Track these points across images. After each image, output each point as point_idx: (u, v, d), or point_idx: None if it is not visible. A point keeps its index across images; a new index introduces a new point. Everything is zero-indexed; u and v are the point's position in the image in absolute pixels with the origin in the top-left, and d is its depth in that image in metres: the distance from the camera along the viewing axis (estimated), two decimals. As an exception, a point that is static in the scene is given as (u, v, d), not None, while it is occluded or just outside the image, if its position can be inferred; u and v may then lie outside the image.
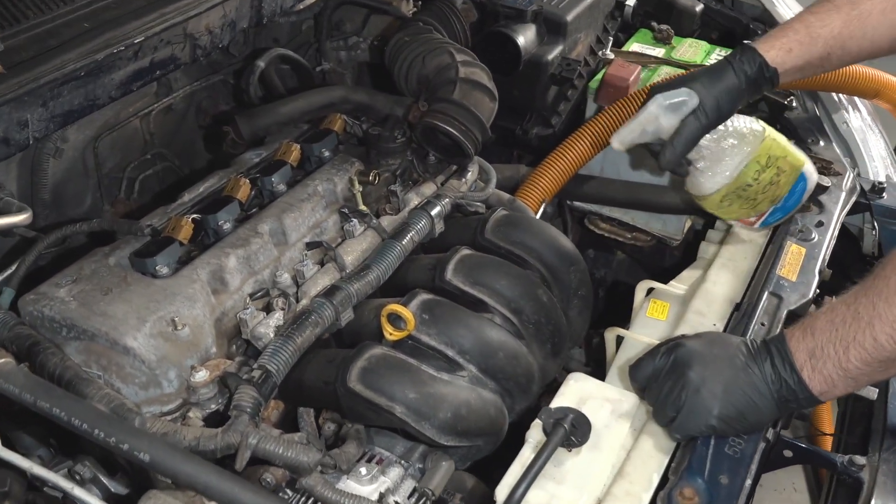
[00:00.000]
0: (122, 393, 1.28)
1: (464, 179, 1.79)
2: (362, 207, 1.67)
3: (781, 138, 1.60)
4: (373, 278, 1.50)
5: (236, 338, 1.45)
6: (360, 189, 1.66)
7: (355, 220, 1.63)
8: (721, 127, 1.50)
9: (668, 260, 2.43)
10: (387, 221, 1.68)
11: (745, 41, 1.50)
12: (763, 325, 1.54)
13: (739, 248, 1.84)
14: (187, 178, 2.10)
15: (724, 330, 1.59)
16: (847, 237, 2.01)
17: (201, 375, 1.30)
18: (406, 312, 1.39)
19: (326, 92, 1.83)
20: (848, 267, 2.08)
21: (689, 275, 1.83)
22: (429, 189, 1.77)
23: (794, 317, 1.58)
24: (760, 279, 1.66)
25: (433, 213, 1.65)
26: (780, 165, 1.58)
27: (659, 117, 1.44)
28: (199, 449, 1.20)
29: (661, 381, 1.32)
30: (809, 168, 1.65)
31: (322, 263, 1.57)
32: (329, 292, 1.44)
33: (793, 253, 1.70)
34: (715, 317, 1.62)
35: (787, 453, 1.43)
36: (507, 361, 1.44)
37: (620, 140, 1.50)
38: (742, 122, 1.53)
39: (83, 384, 1.25)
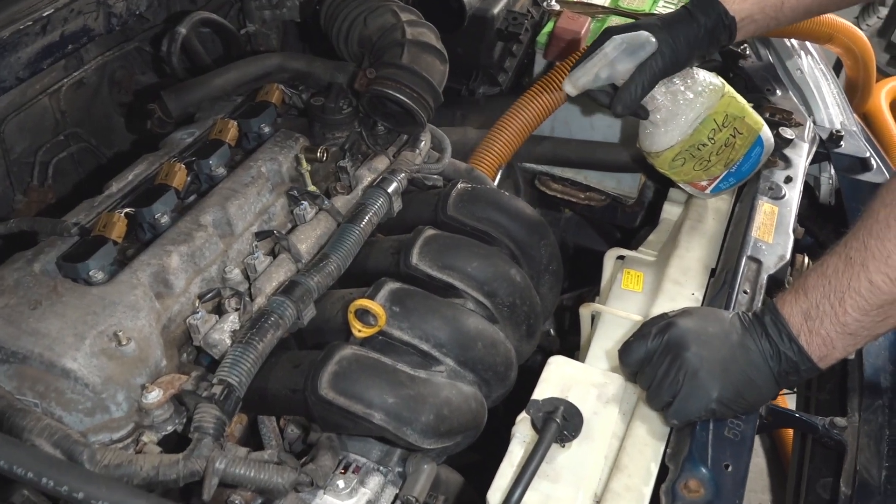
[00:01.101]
0: (64, 422, 1.13)
1: (417, 150, 1.65)
2: (312, 188, 1.53)
3: (740, 98, 1.52)
4: (333, 269, 1.37)
5: (186, 345, 1.31)
6: (308, 168, 1.51)
7: (305, 203, 1.49)
8: (677, 79, 1.43)
9: (621, 218, 2.36)
10: (340, 202, 1.54)
11: None
12: (746, 292, 1.47)
13: (705, 208, 1.76)
14: (109, 159, 1.90)
15: (704, 298, 1.52)
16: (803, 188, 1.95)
17: (154, 395, 1.16)
18: (376, 307, 1.27)
19: (261, 60, 1.66)
20: (804, 218, 2.03)
21: (656, 239, 1.75)
22: (381, 163, 1.63)
23: (774, 281, 1.51)
24: (735, 243, 1.59)
25: (390, 189, 1.53)
26: (738, 126, 1.51)
27: (615, 60, 1.37)
28: (158, 479, 1.06)
29: (656, 364, 1.24)
30: (767, 132, 1.58)
31: (274, 254, 1.43)
32: (288, 288, 1.30)
33: (766, 213, 1.63)
34: (693, 285, 1.55)
35: (766, 418, 1.37)
36: (486, 351, 1.34)
37: (573, 83, 1.41)
38: (701, 76, 1.46)
39: (18, 416, 1.09)
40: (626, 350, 1.29)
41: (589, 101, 1.49)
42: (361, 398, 1.21)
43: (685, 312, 1.30)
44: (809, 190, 2.04)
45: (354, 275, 1.46)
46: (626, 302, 1.55)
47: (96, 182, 1.47)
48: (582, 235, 2.53)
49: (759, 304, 1.42)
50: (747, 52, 2.05)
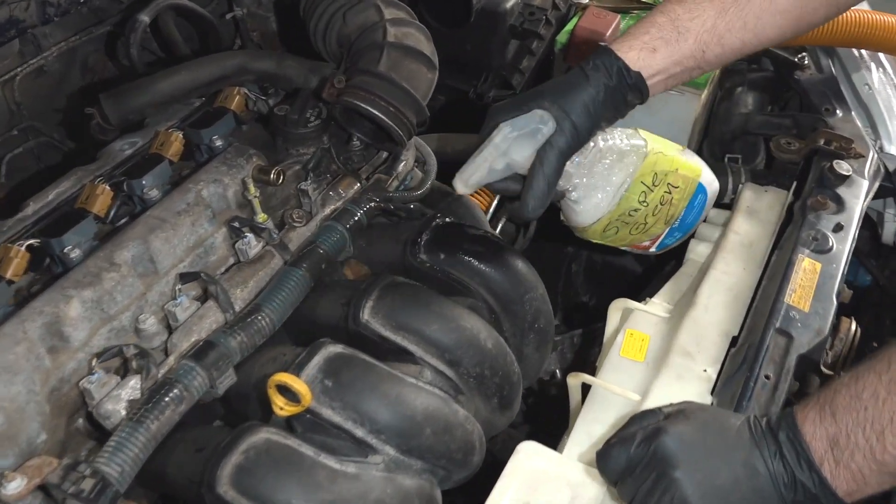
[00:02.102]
0: None
1: (394, 173, 1.41)
2: (261, 217, 1.29)
3: (669, 148, 1.32)
4: (265, 325, 1.15)
5: (81, 410, 1.09)
6: (257, 194, 1.27)
7: (250, 237, 1.26)
8: (592, 145, 1.25)
9: None
10: (294, 235, 1.32)
11: (602, 43, 1.22)
12: (768, 378, 1.20)
13: (738, 253, 1.47)
14: (77, 154, 1.69)
15: (718, 378, 1.24)
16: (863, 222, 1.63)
17: (15, 486, 0.96)
18: (298, 385, 1.04)
19: (219, 60, 1.42)
20: (864, 254, 1.72)
21: (674, 287, 1.48)
22: (350, 187, 1.39)
23: (806, 362, 1.22)
24: (765, 306, 1.30)
25: (349, 224, 1.30)
26: (672, 181, 1.31)
27: (510, 150, 1.18)
28: None
29: (639, 478, 1.00)
30: (708, 176, 1.38)
31: (206, 298, 1.19)
32: (200, 352, 1.09)
33: (806, 270, 1.34)
34: (706, 359, 1.28)
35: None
36: (438, 438, 1.11)
37: (464, 181, 1.21)
38: (618, 138, 1.27)
39: None
40: (604, 456, 1.04)
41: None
42: (266, 501, 0.98)
43: (682, 414, 1.03)
44: (870, 223, 1.73)
45: (301, 325, 1.26)
46: (623, 373, 1.29)
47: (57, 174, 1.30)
48: (611, 253, 2.26)
49: (780, 404, 1.14)
50: (806, 62, 1.72)
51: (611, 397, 1.26)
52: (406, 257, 1.31)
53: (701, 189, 1.35)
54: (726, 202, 1.72)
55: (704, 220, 1.46)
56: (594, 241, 1.34)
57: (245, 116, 1.47)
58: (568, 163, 1.20)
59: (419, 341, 1.19)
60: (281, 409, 1.08)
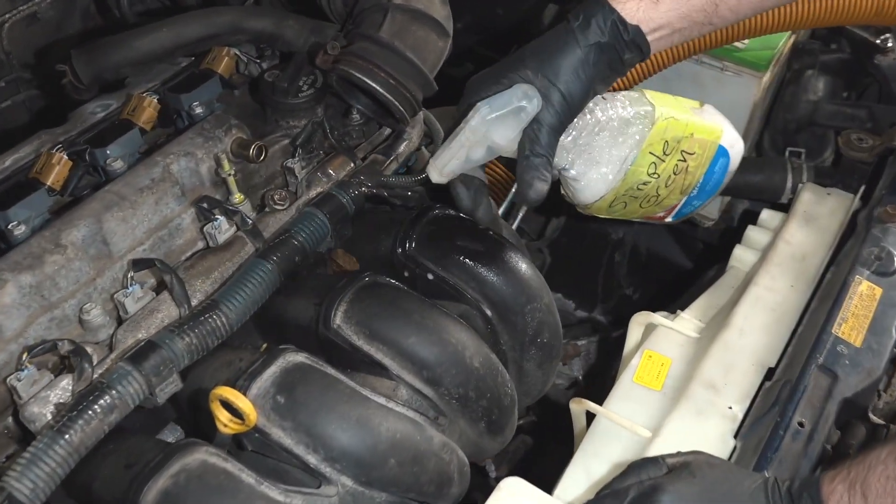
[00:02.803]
0: None
1: (394, 154, 1.28)
2: (237, 198, 1.19)
3: (682, 109, 1.16)
4: (219, 325, 1.03)
5: (8, 409, 0.99)
6: (231, 172, 1.16)
7: (220, 220, 1.15)
8: (589, 116, 1.10)
9: (701, 233, 1.92)
10: (272, 220, 1.20)
11: None
12: (802, 425, 1.04)
13: (788, 266, 1.30)
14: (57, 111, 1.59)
15: (745, 417, 1.09)
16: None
17: (-88, 498, 0.85)
18: (241, 403, 0.92)
19: (207, 17, 1.30)
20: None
21: (709, 302, 1.31)
22: (342, 167, 1.27)
23: (851, 408, 1.05)
24: (808, 335, 1.14)
25: (332, 211, 1.19)
26: (686, 148, 1.16)
27: (489, 133, 1.05)
28: None
29: None
30: (730, 136, 1.21)
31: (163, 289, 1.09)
32: (139, 354, 0.99)
33: (862, 296, 1.16)
34: (734, 393, 1.13)
35: None
36: (404, 469, 1.00)
37: (439, 169, 1.09)
38: (620, 105, 1.12)
39: None
40: None
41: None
42: (190, 537, 0.87)
43: (687, 469, 0.89)
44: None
45: (272, 323, 1.16)
46: (635, 402, 1.15)
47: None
48: (657, 241, 2.12)
49: (813, 460, 0.97)
50: (889, 45, 1.51)
51: (617, 430, 1.12)
52: (394, 254, 1.18)
53: (722, 152, 1.18)
54: (783, 202, 1.54)
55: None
56: (601, 216, 1.21)
57: (236, 80, 1.36)
58: (561, 137, 1.07)
59: (395, 354, 1.07)
60: (225, 426, 0.97)
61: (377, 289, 1.11)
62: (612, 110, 1.11)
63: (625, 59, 1.04)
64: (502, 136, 1.04)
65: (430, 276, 1.16)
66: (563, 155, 1.09)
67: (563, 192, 1.19)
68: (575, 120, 1.07)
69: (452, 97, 1.13)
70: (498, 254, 1.18)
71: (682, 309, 1.33)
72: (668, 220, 1.26)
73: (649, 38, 1.03)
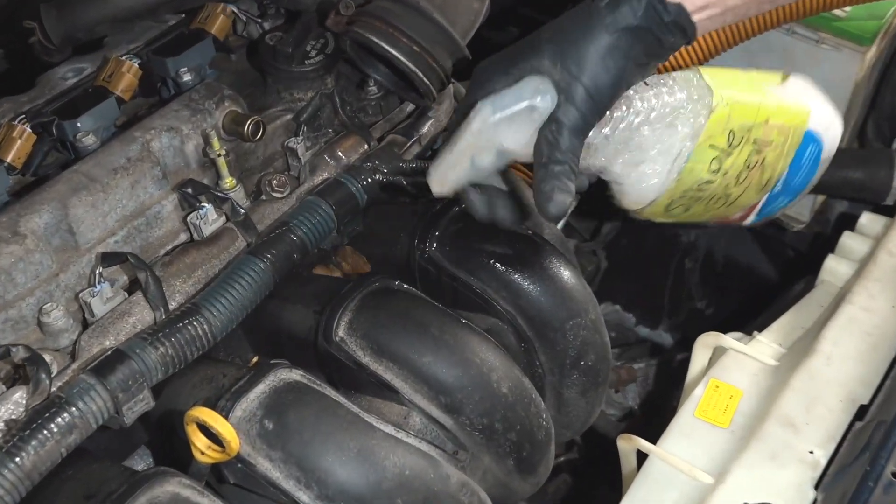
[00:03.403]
0: None
1: (415, 135, 1.31)
2: (227, 182, 1.22)
3: (752, 89, 1.12)
4: (200, 334, 1.05)
5: (-45, 422, 1.02)
6: (222, 152, 1.19)
7: (207, 208, 1.18)
8: (626, 105, 1.07)
9: (790, 237, 1.91)
10: (269, 209, 1.22)
11: None
12: (897, 477, 1.01)
13: (890, 282, 1.29)
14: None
15: (827, 467, 1.08)
16: None
17: None
18: (221, 427, 0.94)
19: (201, -34, 1.30)
20: None
21: (792, 322, 1.31)
22: (354, 149, 1.29)
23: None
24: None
25: (338, 203, 1.20)
26: (761, 136, 1.13)
27: (496, 138, 1.03)
28: None
29: None
30: (822, 118, 1.16)
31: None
32: (105, 365, 1.00)
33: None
34: (817, 434, 1.13)
35: None
36: None
37: (440, 181, 1.06)
38: (665, 91, 1.09)
39: None
40: None
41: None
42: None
43: None
44: None
45: (265, 332, 1.19)
46: (696, 441, 1.16)
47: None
48: (737, 246, 2.11)
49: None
50: None
51: (673, 474, 1.12)
52: (412, 255, 1.20)
53: (811, 138, 1.16)
54: (888, 204, 1.52)
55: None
56: (655, 220, 1.20)
57: (232, 43, 1.39)
58: (592, 134, 1.06)
59: (407, 375, 1.08)
60: (202, 453, 0.98)
61: (389, 296, 1.13)
62: (657, 98, 1.09)
63: (665, 43, 1.02)
64: (513, 140, 1.03)
65: (454, 283, 1.18)
66: (595, 155, 1.08)
67: (611, 197, 1.18)
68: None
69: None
70: (536, 258, 1.18)
71: (760, 330, 1.32)
72: (748, 221, 1.25)
73: (695, 17, 1.01)
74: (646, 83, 1.07)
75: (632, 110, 1.07)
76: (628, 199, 1.14)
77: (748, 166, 1.12)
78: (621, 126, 1.07)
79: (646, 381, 1.72)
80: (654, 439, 1.16)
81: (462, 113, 1.03)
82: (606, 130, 1.07)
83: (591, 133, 1.03)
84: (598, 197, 1.09)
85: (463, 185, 1.06)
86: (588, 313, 1.19)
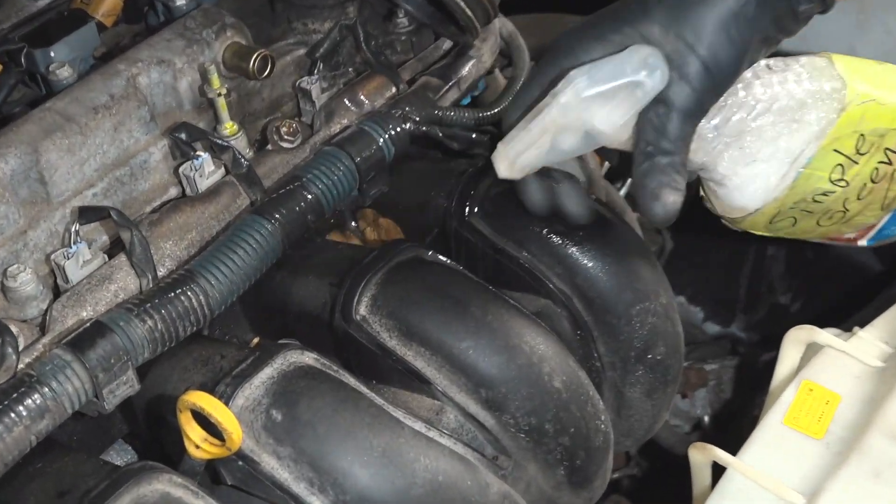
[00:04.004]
0: None
1: (454, 78, 1.35)
2: (227, 128, 1.25)
3: (892, 89, 1.15)
4: (196, 306, 1.08)
5: None
6: (223, 91, 1.23)
7: (203, 158, 1.21)
8: (744, 90, 1.11)
9: None
10: (277, 162, 1.25)
11: None
12: None
13: None
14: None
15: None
16: None
17: None
18: (221, 415, 0.98)
19: None
20: None
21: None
22: (379, 92, 1.32)
23: None
24: None
25: (364, 155, 1.22)
26: (893, 146, 1.17)
27: (587, 116, 1.06)
28: None
29: None
30: None
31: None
32: (83, 339, 1.03)
33: None
34: None
35: None
36: None
37: (509, 161, 1.10)
38: (791, 78, 1.12)
39: None
40: None
41: None
42: None
43: None
44: None
45: (269, 309, 1.23)
46: (784, 454, 1.18)
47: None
48: None
49: None
50: None
51: (756, 493, 1.14)
52: (448, 221, 1.24)
53: None
54: None
55: None
56: (756, 233, 1.23)
57: (237, -38, 1.40)
58: (702, 122, 1.08)
59: (441, 362, 1.12)
60: (197, 447, 1.01)
61: (420, 268, 1.16)
62: (781, 86, 1.12)
63: (799, 10, 1.05)
64: (607, 120, 1.06)
65: (497, 255, 1.21)
66: (702, 146, 1.11)
67: (702, 195, 1.21)
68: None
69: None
70: (598, 229, 1.22)
71: (862, 326, 1.35)
72: (862, 243, 1.29)
73: None
74: (768, 66, 1.10)
75: (751, 97, 1.10)
76: (728, 205, 1.17)
77: (873, 179, 1.16)
78: (735, 116, 1.10)
79: (718, 386, 1.75)
80: (731, 452, 1.19)
81: (545, 82, 1.07)
82: (716, 120, 1.10)
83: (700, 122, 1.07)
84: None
85: (537, 168, 1.10)
86: (658, 297, 1.22)
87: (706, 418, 1.74)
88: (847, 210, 1.20)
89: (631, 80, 1.03)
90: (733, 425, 1.65)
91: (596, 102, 1.05)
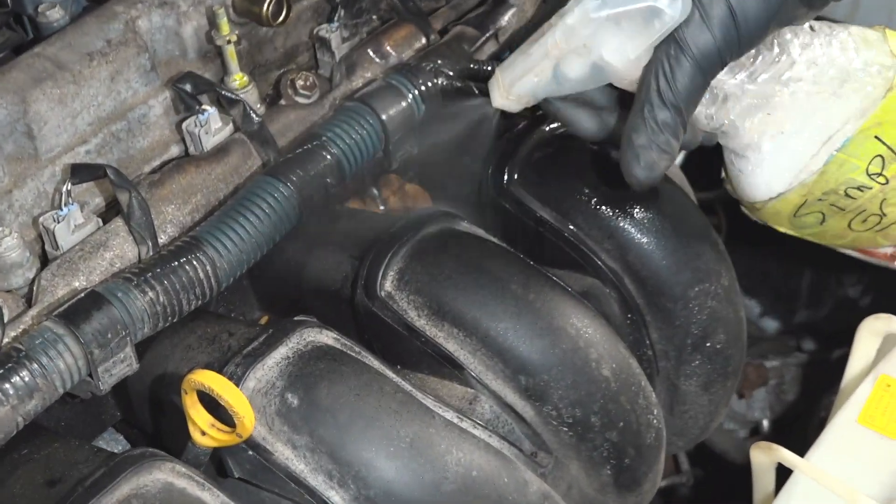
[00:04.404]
0: None
1: (497, 25, 1.36)
2: (237, 79, 1.27)
3: None
4: (202, 276, 1.11)
5: None
6: (233, 38, 1.25)
7: (210, 112, 1.23)
8: (780, 48, 1.11)
9: None
10: (292, 119, 1.28)
11: None
12: None
13: None
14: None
15: None
16: None
17: None
18: (234, 397, 0.99)
19: None
20: None
21: None
22: (408, 42, 1.36)
23: None
24: None
25: (385, 114, 1.24)
26: None
27: (595, 42, 1.06)
28: None
29: None
30: None
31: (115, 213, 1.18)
32: (76, 310, 1.05)
33: None
34: None
35: None
36: None
37: (506, 87, 1.12)
38: (836, 44, 1.13)
39: None
40: None
41: None
42: None
43: None
44: None
45: (281, 284, 1.26)
46: (858, 455, 1.21)
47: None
48: None
49: None
50: None
51: (826, 498, 1.16)
52: (484, 189, 1.26)
53: None
54: None
55: None
56: (777, 227, 1.24)
57: None
58: (723, 76, 1.08)
59: (476, 345, 1.14)
60: (203, 433, 1.04)
61: (453, 239, 1.18)
62: (823, 49, 1.12)
63: None
64: (618, 52, 1.06)
65: (540, 227, 1.24)
66: (720, 107, 1.11)
67: (723, 175, 1.22)
68: (752, 51, 1.09)
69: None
70: (653, 200, 1.24)
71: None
72: None
73: None
74: (811, 27, 1.10)
75: (785, 57, 1.10)
76: (748, 186, 1.18)
77: None
78: (764, 75, 1.11)
79: (779, 387, 1.77)
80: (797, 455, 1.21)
81: (552, 2, 1.07)
82: (743, 75, 1.10)
83: (721, 74, 1.06)
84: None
85: (537, 98, 1.10)
86: (720, 278, 1.24)
87: (765, 422, 1.75)
88: (884, 214, 1.20)
89: (649, 4, 1.02)
90: (796, 429, 1.66)
91: (607, 29, 1.05)
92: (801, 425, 1.49)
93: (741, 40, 1.04)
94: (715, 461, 1.65)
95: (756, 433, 1.73)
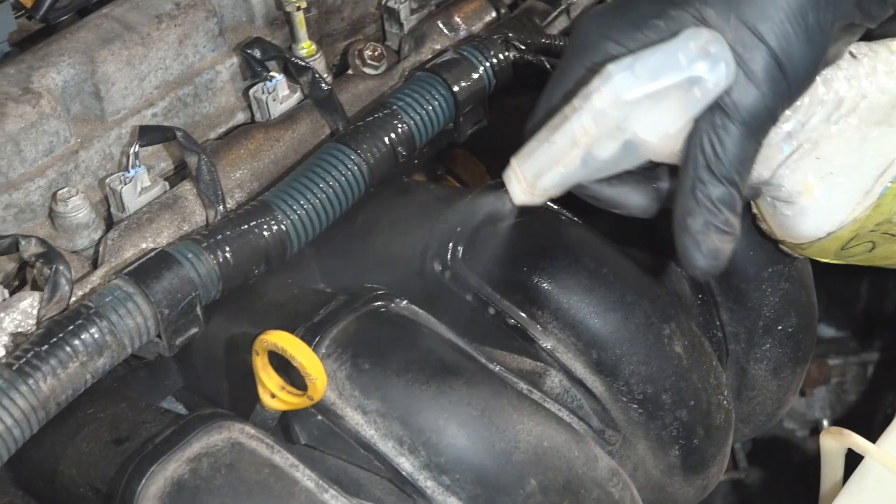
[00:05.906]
0: None
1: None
2: (305, 47, 1.30)
3: None
4: (270, 242, 1.13)
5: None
6: (303, 5, 1.28)
7: (277, 79, 1.27)
8: (823, 85, 1.07)
9: None
10: (361, 89, 1.32)
11: None
12: None
13: None
14: None
15: None
16: None
17: None
18: (304, 357, 1.01)
19: None
20: None
21: None
22: (478, 16, 1.39)
23: None
24: None
25: (456, 86, 1.26)
26: None
27: (629, 123, 0.96)
28: None
29: None
30: None
31: (182, 177, 1.23)
32: (146, 269, 1.07)
33: None
34: None
35: None
36: (548, 500, 1.07)
37: (528, 182, 1.01)
38: (884, 66, 1.10)
39: None
40: None
41: None
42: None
43: None
44: None
45: (347, 255, 1.28)
46: None
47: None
48: None
49: None
50: None
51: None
52: None
53: None
54: None
55: None
56: (821, 260, 1.22)
57: None
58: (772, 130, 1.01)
59: (549, 318, 1.16)
60: (273, 396, 1.06)
61: (525, 212, 1.17)
62: (868, 78, 1.10)
63: None
64: (654, 129, 0.97)
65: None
66: (768, 158, 1.07)
67: (757, 214, 1.19)
68: None
69: None
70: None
71: None
72: None
73: None
74: (851, 53, 1.07)
75: (832, 94, 1.07)
76: (793, 228, 1.15)
77: None
78: (814, 119, 1.08)
79: (841, 386, 1.78)
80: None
81: (573, 76, 1.01)
82: (789, 125, 1.07)
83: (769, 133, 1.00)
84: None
85: (565, 189, 1.03)
86: (794, 260, 1.25)
87: (825, 422, 1.75)
88: None
89: (688, 75, 0.94)
90: (858, 432, 1.68)
91: (641, 108, 0.96)
92: (864, 426, 1.50)
93: (791, 90, 0.98)
94: (771, 460, 1.66)
95: (815, 433, 1.74)
